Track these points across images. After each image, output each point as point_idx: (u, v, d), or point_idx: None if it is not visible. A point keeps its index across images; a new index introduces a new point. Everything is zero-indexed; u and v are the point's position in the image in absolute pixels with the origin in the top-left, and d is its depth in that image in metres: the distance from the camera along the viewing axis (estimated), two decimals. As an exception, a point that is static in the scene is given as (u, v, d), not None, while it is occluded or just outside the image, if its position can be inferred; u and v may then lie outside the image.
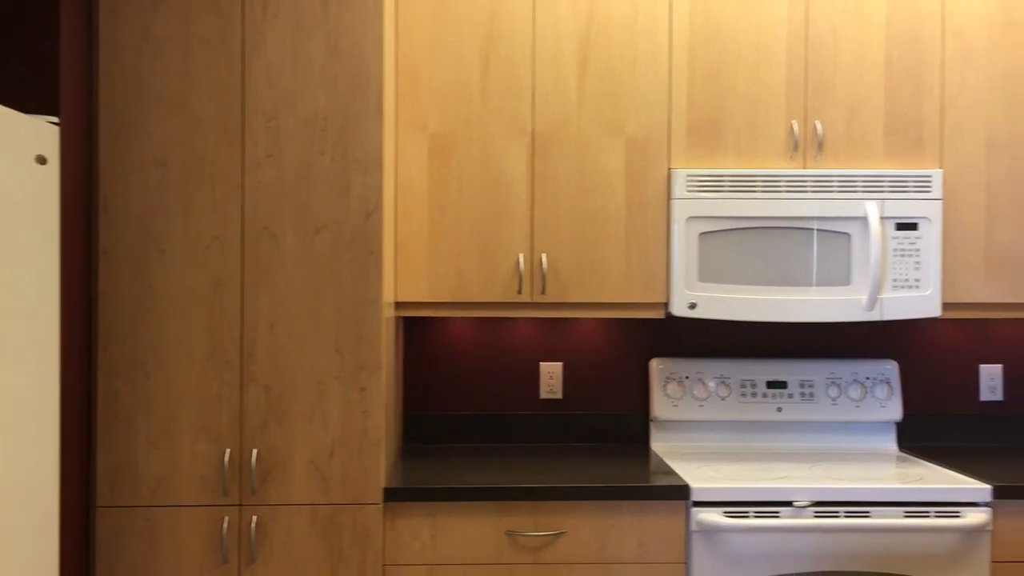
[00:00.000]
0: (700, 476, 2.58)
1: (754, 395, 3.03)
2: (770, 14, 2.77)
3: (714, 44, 2.77)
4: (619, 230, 2.77)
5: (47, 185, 2.03)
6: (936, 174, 2.74)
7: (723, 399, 3.03)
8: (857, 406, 3.02)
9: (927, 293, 2.75)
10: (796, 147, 2.78)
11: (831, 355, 3.14)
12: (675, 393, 3.02)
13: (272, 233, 2.41)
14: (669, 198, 2.76)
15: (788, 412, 3.02)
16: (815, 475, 2.60)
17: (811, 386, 3.03)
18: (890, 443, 3.04)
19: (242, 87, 2.40)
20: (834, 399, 3.02)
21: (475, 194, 2.75)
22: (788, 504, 2.47)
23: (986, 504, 2.49)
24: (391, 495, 2.45)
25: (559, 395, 3.14)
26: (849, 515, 2.47)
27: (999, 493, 2.49)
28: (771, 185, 2.74)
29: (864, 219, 2.72)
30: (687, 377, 3.04)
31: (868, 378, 3.04)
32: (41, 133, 2.01)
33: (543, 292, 2.76)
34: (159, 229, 2.40)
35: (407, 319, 3.12)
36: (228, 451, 2.39)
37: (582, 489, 2.47)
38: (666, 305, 2.77)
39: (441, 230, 2.75)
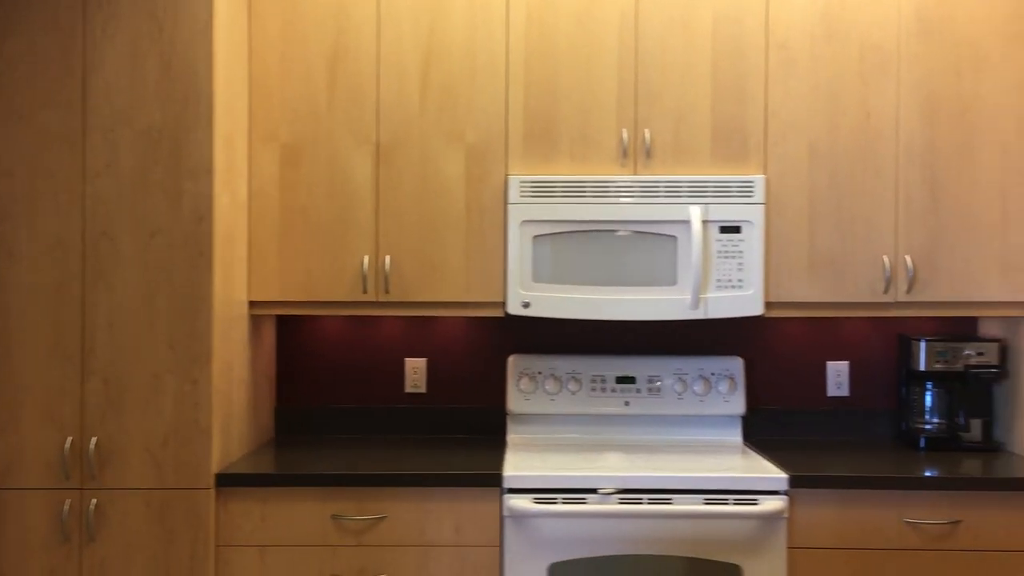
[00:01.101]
0: (525, 465, 2.73)
1: (603, 390, 3.18)
2: (602, 29, 2.92)
3: (549, 57, 2.93)
4: (459, 234, 2.93)
5: None
6: (758, 180, 2.88)
7: (574, 393, 3.18)
8: (701, 400, 3.16)
9: (749, 293, 2.88)
10: (626, 154, 2.92)
11: (681, 352, 3.28)
12: (527, 388, 3.17)
13: (111, 237, 2.60)
14: (505, 203, 2.91)
15: (635, 406, 3.16)
16: (635, 465, 2.74)
17: (658, 381, 3.17)
18: (735, 436, 3.18)
19: (83, 102, 2.60)
20: (679, 394, 3.16)
21: (323, 200, 2.93)
22: (594, 491, 2.62)
23: (783, 492, 2.62)
24: (224, 480, 2.63)
25: (423, 389, 3.31)
26: (652, 502, 2.61)
27: (795, 482, 2.62)
28: (601, 190, 2.89)
29: (690, 222, 2.86)
30: (540, 373, 3.19)
31: (713, 374, 3.17)
32: None
33: (387, 292, 2.93)
34: (7, 234, 2.60)
35: (281, 317, 3.30)
36: (70, 439, 2.59)
37: (401, 476, 2.64)
38: (504, 304, 2.93)
39: (292, 234, 2.93)
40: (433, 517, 2.65)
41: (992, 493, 2.61)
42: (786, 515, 2.61)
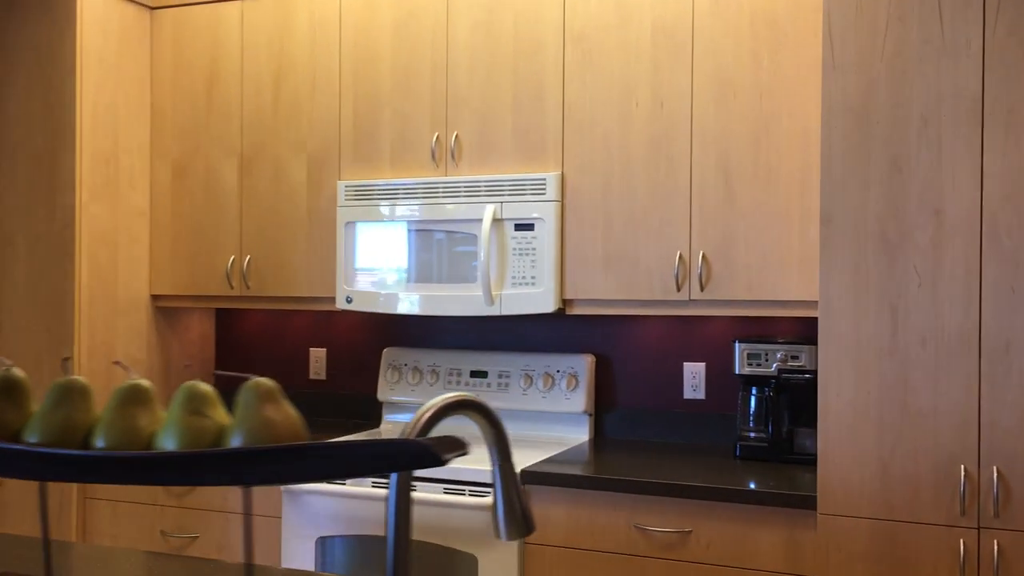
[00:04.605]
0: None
1: (458, 383, 3.31)
2: (417, 38, 3.08)
3: (372, 70, 3.14)
4: (303, 235, 3.24)
5: None
6: (550, 177, 2.88)
7: (431, 385, 3.34)
8: (544, 397, 3.19)
9: (541, 290, 2.90)
10: (436, 157, 3.06)
11: (537, 349, 3.31)
12: (392, 378, 3.40)
13: (13, 244, 3.24)
14: (337, 206, 3.17)
15: (485, 399, 3.26)
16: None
17: (508, 376, 3.25)
18: (582, 435, 3.16)
19: (-8, 135, 3.27)
20: (524, 389, 3.21)
21: (201, 207, 3.38)
22: (350, 473, 2.81)
23: (514, 488, 2.63)
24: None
25: (323, 376, 3.64)
26: (400, 487, 2.75)
27: (525, 477, 2.63)
28: (412, 192, 3.05)
29: (493, 221, 2.94)
30: (405, 364, 3.40)
31: (558, 371, 3.19)
32: None
33: (247, 287, 3.31)
34: (-53, 240, 3.34)
35: (218, 310, 3.79)
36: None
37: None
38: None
39: (181, 237, 3.41)
40: (235, 489, 2.98)
41: (722, 504, 2.44)
42: (516, 510, 2.63)
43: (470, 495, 2.68)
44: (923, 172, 2.21)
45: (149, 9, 3.43)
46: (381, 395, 3.40)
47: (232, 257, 3.32)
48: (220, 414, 0.98)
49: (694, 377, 3.12)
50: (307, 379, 3.67)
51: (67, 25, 3.16)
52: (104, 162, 3.27)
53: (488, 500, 2.64)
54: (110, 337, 3.30)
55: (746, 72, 2.70)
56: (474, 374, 3.30)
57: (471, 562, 2.68)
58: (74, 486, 3.15)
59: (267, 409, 0.91)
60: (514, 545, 2.64)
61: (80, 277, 3.18)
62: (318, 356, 3.64)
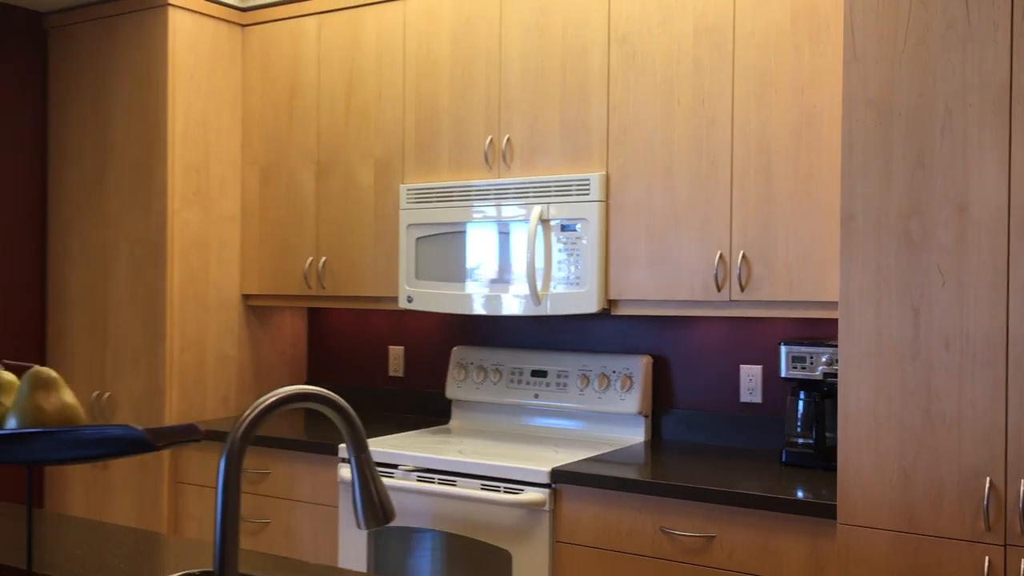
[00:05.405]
0: (388, 444, 3.11)
1: (520, 382, 3.37)
2: (474, 43, 3.16)
3: (433, 78, 3.24)
4: (370, 237, 3.38)
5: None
6: (594, 177, 2.89)
7: (495, 384, 3.41)
8: (600, 397, 3.19)
9: (585, 290, 2.91)
10: (489, 159, 3.12)
11: (597, 349, 3.31)
12: (459, 376, 3.49)
13: (116, 246, 3.55)
14: (399, 209, 3.29)
15: (543, 398, 3.30)
16: (470, 449, 2.96)
17: (566, 376, 3.27)
18: (637, 436, 3.15)
19: (103, 151, 3.59)
20: (581, 390, 3.23)
21: (284, 212, 3.58)
22: (396, 467, 2.92)
23: (545, 485, 2.66)
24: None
25: (401, 373, 3.78)
26: (441, 482, 2.84)
27: (555, 476, 2.65)
28: (466, 195, 3.13)
29: (541, 222, 2.98)
30: (471, 363, 3.48)
31: (614, 372, 3.18)
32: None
33: (323, 287, 3.49)
34: (71, 240, 3.69)
35: (311, 310, 4.01)
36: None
37: (283, 440, 3.19)
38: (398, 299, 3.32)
39: (268, 240, 3.63)
40: (299, 476, 3.16)
41: (745, 510, 2.38)
42: (548, 508, 2.66)
43: (504, 492, 2.73)
44: (947, 166, 2.09)
45: (240, 27, 3.67)
46: (449, 393, 3.50)
47: (309, 259, 3.51)
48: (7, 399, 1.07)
49: (750, 380, 3.04)
50: (386, 376, 3.81)
51: (160, 46, 3.43)
52: (195, 172, 3.53)
53: (521, 497, 2.67)
54: (201, 334, 3.55)
55: (787, 65, 2.62)
56: (534, 373, 3.34)
57: (505, 558, 2.73)
58: (166, 471, 3.42)
59: (38, 396, 1.00)
60: (546, 543, 2.67)
61: (172, 278, 3.45)
62: (396, 354, 3.78)
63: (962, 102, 2.07)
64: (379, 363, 3.82)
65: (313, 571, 1.59)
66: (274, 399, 1.13)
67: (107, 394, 3.57)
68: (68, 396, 1.03)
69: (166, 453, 3.41)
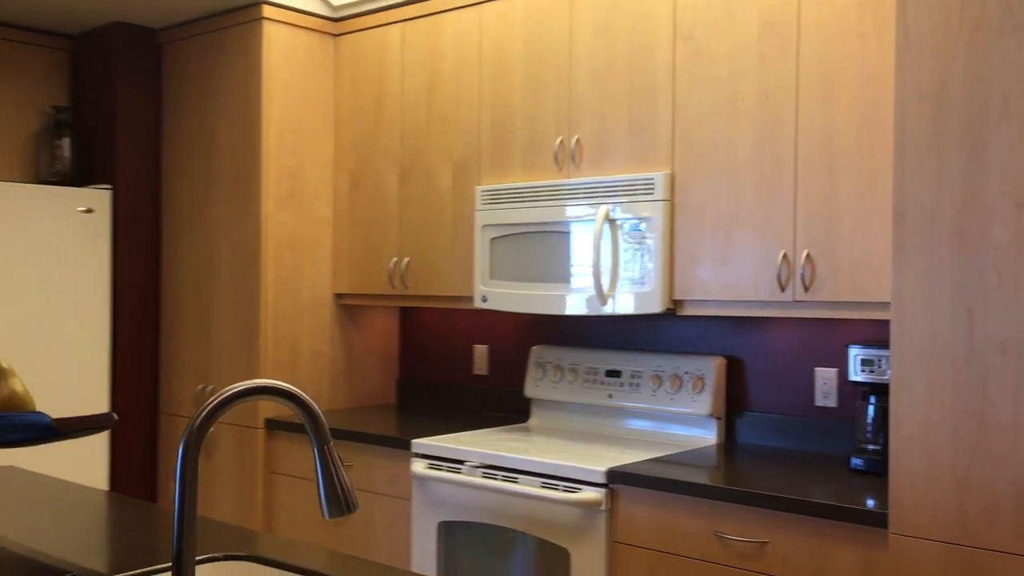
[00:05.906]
0: (460, 440, 3.18)
1: (594, 381, 3.37)
2: (545, 45, 3.18)
3: (506, 79, 3.29)
4: (448, 237, 3.46)
5: (97, 227, 3.73)
6: (659, 177, 2.87)
7: (571, 383, 3.43)
8: (672, 398, 3.16)
9: (649, 290, 2.89)
10: (559, 160, 3.14)
11: (671, 350, 3.27)
12: (537, 375, 3.52)
13: (217, 246, 3.76)
14: (475, 210, 3.36)
15: (617, 399, 3.29)
16: (536, 447, 3.00)
17: (639, 376, 3.25)
18: (709, 438, 3.10)
19: (206, 160, 3.81)
20: (654, 390, 3.20)
21: (371, 214, 3.71)
22: (463, 463, 2.98)
23: (601, 485, 2.66)
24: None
25: (485, 372, 3.84)
26: (505, 479, 2.88)
27: (611, 477, 2.64)
28: (536, 195, 3.17)
29: (607, 222, 2.98)
30: (549, 362, 3.51)
31: (686, 373, 3.14)
32: (92, 196, 3.71)
33: (405, 287, 3.60)
34: (180, 250, 3.94)
35: (402, 308, 4.13)
36: (200, 386, 3.82)
37: (361, 434, 3.31)
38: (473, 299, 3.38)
39: (357, 241, 3.77)
40: (377, 468, 3.27)
41: (797, 516, 2.31)
42: (604, 508, 2.65)
43: (563, 490, 2.74)
44: (1004, 159, 1.97)
45: (333, 36, 3.83)
46: (528, 391, 3.53)
47: (393, 259, 3.62)
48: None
49: (825, 383, 2.94)
50: (471, 374, 3.88)
51: (256, 58, 3.62)
52: (289, 176, 3.70)
53: (578, 496, 2.68)
54: (295, 331, 3.72)
55: (852, 56, 2.52)
56: (609, 373, 3.33)
57: (564, 556, 2.74)
58: (260, 462, 3.61)
59: (-13, 384, 1.10)
60: (603, 543, 2.67)
61: (266, 277, 3.63)
62: (480, 352, 3.85)
63: (1019, 91, 1.95)
64: (465, 361, 3.90)
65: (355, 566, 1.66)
66: (231, 392, 1.19)
67: (210, 387, 3.78)
68: (17, 385, 1.13)
69: (260, 446, 3.59)
